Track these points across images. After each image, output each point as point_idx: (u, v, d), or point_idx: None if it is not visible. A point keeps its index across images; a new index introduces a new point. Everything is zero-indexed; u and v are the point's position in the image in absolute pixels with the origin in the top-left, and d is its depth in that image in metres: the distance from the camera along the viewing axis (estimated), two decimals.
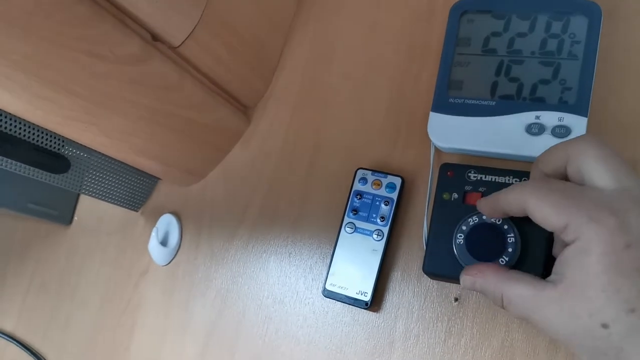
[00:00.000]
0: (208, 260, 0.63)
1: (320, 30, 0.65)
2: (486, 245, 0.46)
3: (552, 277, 0.36)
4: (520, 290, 0.37)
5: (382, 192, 0.54)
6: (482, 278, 0.40)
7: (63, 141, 0.59)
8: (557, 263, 0.36)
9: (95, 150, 0.59)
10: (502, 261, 0.45)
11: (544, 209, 0.35)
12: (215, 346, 0.59)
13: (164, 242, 0.66)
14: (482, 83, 0.52)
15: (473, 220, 0.47)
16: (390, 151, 0.57)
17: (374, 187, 0.54)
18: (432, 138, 0.52)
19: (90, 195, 0.65)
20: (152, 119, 0.55)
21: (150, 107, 0.54)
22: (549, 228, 0.36)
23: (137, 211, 0.71)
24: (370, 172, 0.55)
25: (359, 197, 0.54)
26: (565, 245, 0.35)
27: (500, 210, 0.41)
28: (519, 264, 0.45)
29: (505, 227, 0.46)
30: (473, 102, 0.52)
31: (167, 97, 0.55)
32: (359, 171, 0.56)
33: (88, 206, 0.77)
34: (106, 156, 0.61)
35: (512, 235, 0.45)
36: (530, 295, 0.36)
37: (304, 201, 0.59)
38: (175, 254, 0.66)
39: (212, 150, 0.65)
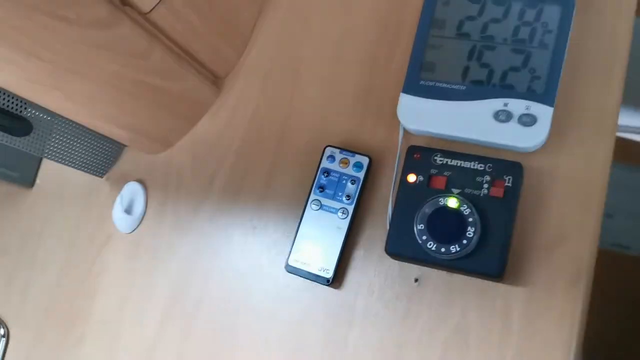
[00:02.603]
0: (173, 230, 0.63)
1: (295, 3, 0.64)
2: (447, 229, 0.47)
3: None
4: None
5: (349, 170, 0.54)
6: None
7: (25, 103, 0.57)
8: None
9: (59, 114, 0.58)
10: (461, 245, 0.46)
11: None
12: (176, 316, 0.59)
13: (128, 210, 0.65)
14: (454, 67, 0.52)
15: (436, 203, 0.48)
16: (360, 130, 0.57)
17: (341, 165, 0.55)
18: (401, 120, 0.52)
19: (53, 159, 0.64)
20: (119, 86, 0.54)
21: (117, 73, 0.53)
22: None
23: (102, 177, 0.70)
24: (339, 150, 0.55)
25: (326, 174, 0.55)
26: None
27: None
28: (478, 249, 0.46)
29: (467, 212, 0.46)
30: (444, 85, 0.52)
31: (134, 64, 0.53)
32: (327, 148, 0.56)
33: (51, 169, 0.75)
34: (71, 120, 0.60)
35: (473, 220, 0.46)
36: None
37: (271, 175, 0.59)
38: (140, 223, 0.65)
39: (180, 120, 0.64)
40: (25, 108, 0.57)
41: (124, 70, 0.53)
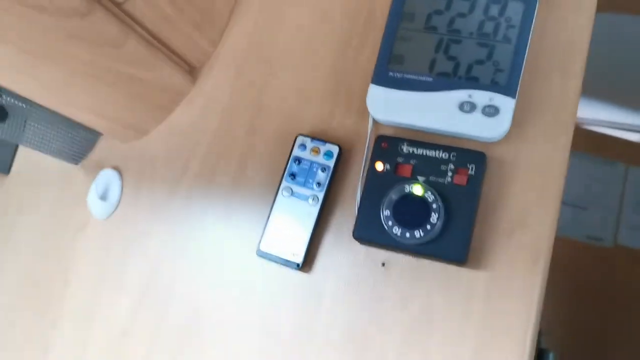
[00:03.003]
0: (147, 216, 0.64)
1: None
2: (412, 215, 0.49)
3: None
4: None
5: (320, 159, 0.56)
6: None
7: (0, 90, 0.57)
8: None
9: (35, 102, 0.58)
10: (426, 231, 0.48)
11: None
12: (150, 301, 0.61)
13: (103, 197, 0.66)
14: (422, 59, 0.54)
15: (401, 190, 0.49)
16: (331, 119, 0.58)
17: (312, 153, 0.56)
18: (370, 110, 0.54)
19: (29, 146, 0.64)
20: (93, 74, 0.55)
21: (91, 62, 0.53)
22: None
23: (77, 164, 0.70)
24: (310, 139, 0.57)
25: (297, 162, 0.56)
26: None
27: None
28: (442, 234, 0.48)
29: (431, 199, 0.48)
30: (411, 77, 0.53)
31: (108, 53, 0.54)
32: (299, 137, 0.57)
33: (27, 156, 0.75)
34: (46, 107, 0.61)
35: (437, 207, 0.48)
36: None
37: (244, 163, 0.61)
38: (115, 209, 0.66)
39: (155, 109, 0.65)
40: (0, 95, 0.58)
41: (98, 58, 0.54)
